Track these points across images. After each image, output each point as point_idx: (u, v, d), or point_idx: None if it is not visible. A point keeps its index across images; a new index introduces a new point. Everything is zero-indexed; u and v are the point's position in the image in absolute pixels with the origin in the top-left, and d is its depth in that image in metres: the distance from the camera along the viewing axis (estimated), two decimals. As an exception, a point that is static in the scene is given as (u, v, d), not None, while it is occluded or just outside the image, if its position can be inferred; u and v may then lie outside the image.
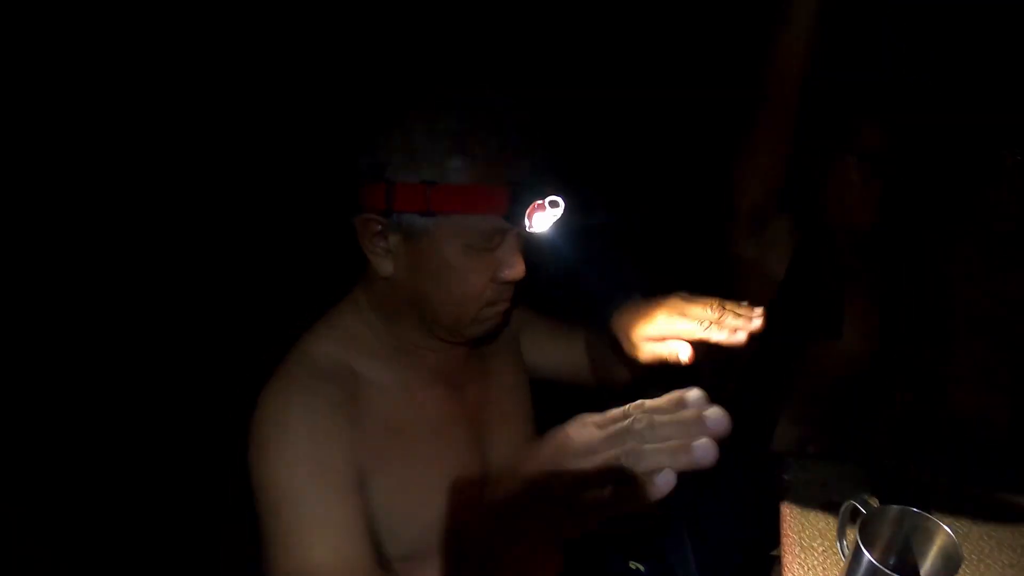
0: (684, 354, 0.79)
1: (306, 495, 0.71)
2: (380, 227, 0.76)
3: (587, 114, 1.64)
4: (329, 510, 0.71)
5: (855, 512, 0.85)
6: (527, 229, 0.75)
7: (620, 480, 0.50)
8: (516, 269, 0.78)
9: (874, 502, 0.94)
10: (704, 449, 0.49)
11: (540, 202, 0.74)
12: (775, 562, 0.98)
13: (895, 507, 0.84)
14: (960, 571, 0.76)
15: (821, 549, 0.90)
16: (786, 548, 0.91)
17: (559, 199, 0.75)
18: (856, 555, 0.77)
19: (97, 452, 1.26)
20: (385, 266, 0.78)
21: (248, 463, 0.74)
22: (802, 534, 0.92)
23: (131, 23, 1.14)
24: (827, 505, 0.96)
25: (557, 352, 1.04)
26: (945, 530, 0.80)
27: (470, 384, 0.91)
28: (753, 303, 1.21)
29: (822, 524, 0.93)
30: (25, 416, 1.18)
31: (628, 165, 1.70)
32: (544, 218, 0.75)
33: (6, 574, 1.10)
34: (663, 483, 0.48)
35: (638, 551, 1.13)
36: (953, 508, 0.95)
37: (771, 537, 0.97)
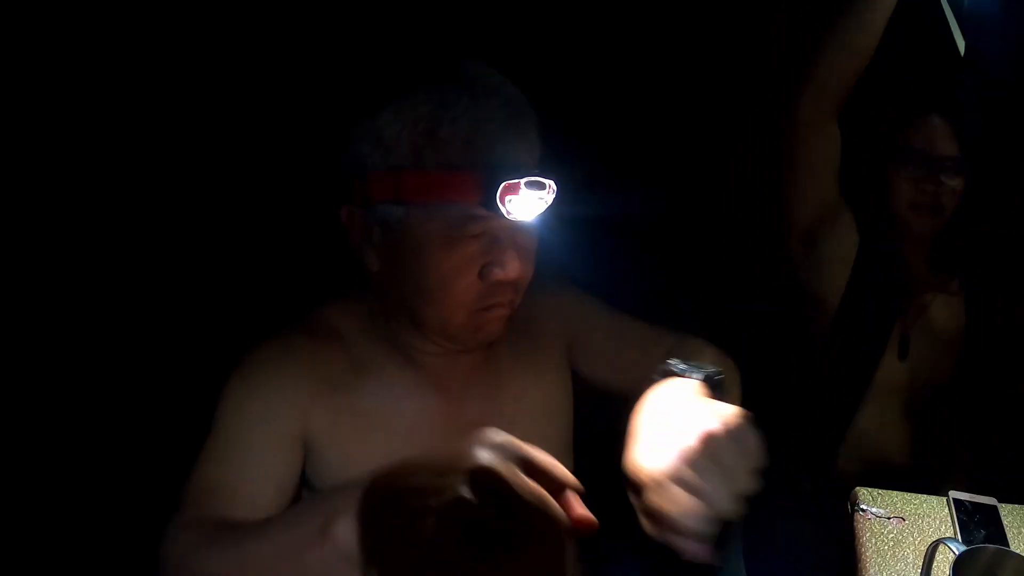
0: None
1: (242, 428, 0.76)
2: (362, 220, 0.75)
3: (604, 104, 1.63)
4: (257, 449, 0.75)
5: (942, 552, 0.82)
6: (506, 216, 0.68)
7: None
8: (507, 268, 0.72)
9: (959, 538, 0.91)
10: None
11: (512, 182, 0.67)
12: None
13: (990, 548, 0.81)
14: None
15: (901, 590, 0.87)
16: (861, 586, 0.88)
17: (546, 180, 0.69)
18: (952, 601, 0.74)
19: (97, 452, 1.23)
20: (372, 261, 0.76)
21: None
22: (879, 573, 0.89)
23: (112, 23, 1.12)
24: (907, 542, 0.93)
25: (611, 357, 0.89)
26: (1048, 576, 0.77)
27: (472, 398, 0.85)
28: (814, 321, 1.21)
29: (900, 563, 0.91)
30: (25, 416, 1.16)
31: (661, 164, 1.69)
32: (523, 204, 0.68)
33: (6, 574, 1.06)
34: None
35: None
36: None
37: (839, 573, 0.94)
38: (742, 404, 0.60)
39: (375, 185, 0.71)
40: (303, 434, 0.78)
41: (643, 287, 1.74)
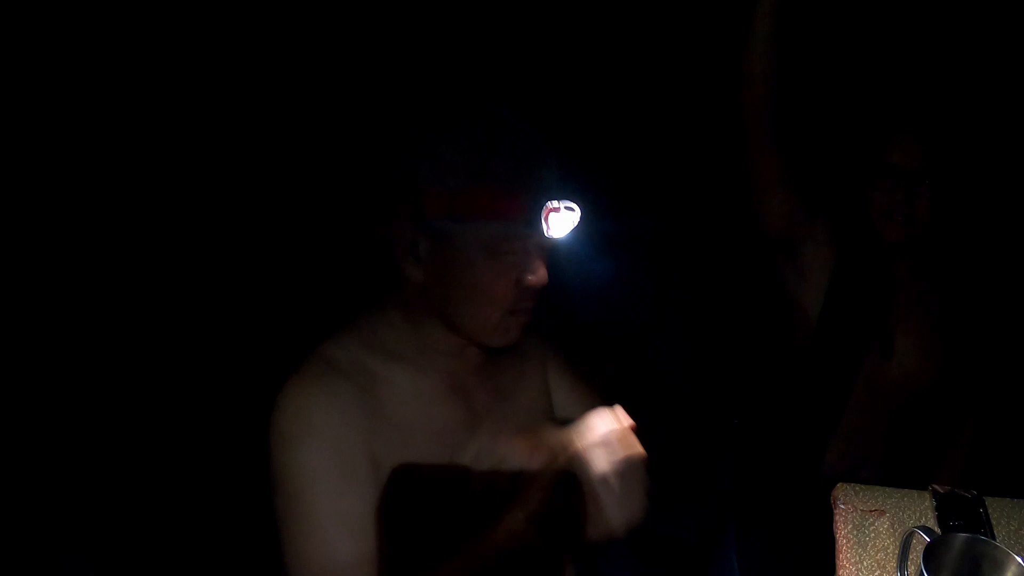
0: None
1: (325, 487, 0.81)
2: (411, 235, 0.84)
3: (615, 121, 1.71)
4: (346, 503, 0.81)
5: (917, 541, 0.85)
6: (546, 233, 0.83)
7: None
8: (538, 274, 0.86)
9: (938, 530, 0.94)
10: None
11: (555, 205, 0.82)
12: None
13: (961, 535, 0.84)
14: (1034, 604, 0.75)
15: (880, 581, 0.90)
16: (842, 580, 0.91)
17: (574, 204, 0.84)
18: (921, 585, 0.77)
19: (100, 453, 1.29)
20: (416, 273, 0.86)
21: (269, 457, 0.83)
22: (860, 566, 0.92)
23: (147, 28, 1.20)
24: (886, 534, 0.96)
25: (573, 406, 1.08)
26: (1017, 560, 0.80)
27: (478, 392, 0.97)
28: (800, 326, 1.26)
29: (881, 555, 0.93)
30: (27, 416, 1.22)
31: (657, 174, 1.75)
32: (561, 222, 0.83)
33: (6, 574, 1.12)
34: None
35: (685, 573, 1.13)
36: (1024, 538, 0.95)
37: (825, 569, 0.97)
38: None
39: (431, 203, 0.81)
40: (373, 458, 0.85)
41: (637, 292, 1.81)
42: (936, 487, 1.00)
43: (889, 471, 1.20)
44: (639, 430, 0.84)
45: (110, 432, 1.28)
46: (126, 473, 1.28)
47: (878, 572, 0.91)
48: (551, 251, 0.88)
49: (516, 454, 0.94)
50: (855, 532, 0.97)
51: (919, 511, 0.99)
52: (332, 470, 0.81)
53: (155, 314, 1.31)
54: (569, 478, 0.76)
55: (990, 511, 0.98)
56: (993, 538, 0.94)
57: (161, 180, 1.28)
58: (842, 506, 1.01)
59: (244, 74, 1.33)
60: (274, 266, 1.41)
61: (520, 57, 1.59)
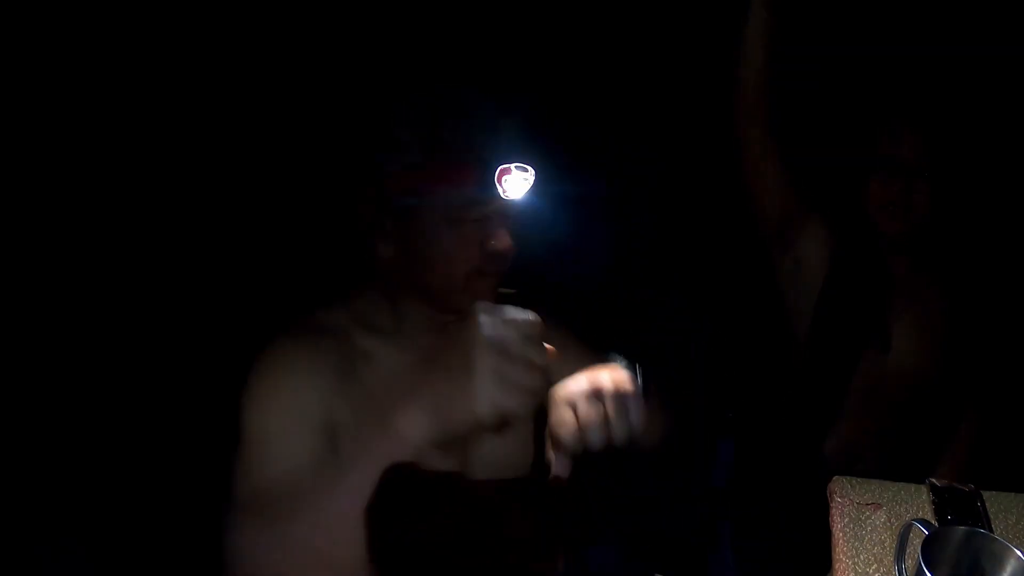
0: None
1: (274, 428, 0.86)
2: (376, 215, 0.89)
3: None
4: (291, 444, 0.86)
5: (915, 534, 0.84)
6: (502, 196, 0.86)
7: None
8: (501, 240, 0.89)
9: (936, 523, 0.93)
10: None
11: (506, 167, 0.85)
12: (826, 590, 0.96)
13: (960, 528, 0.83)
14: (1033, 597, 0.74)
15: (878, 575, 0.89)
16: (839, 574, 0.90)
17: (527, 165, 0.87)
18: (919, 579, 0.76)
19: (97, 452, 1.29)
20: (386, 250, 0.91)
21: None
22: (856, 559, 0.91)
23: (124, 21, 1.20)
24: (883, 528, 0.95)
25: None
26: (1016, 554, 0.79)
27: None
28: (797, 317, 1.25)
29: (878, 549, 0.92)
30: (25, 416, 1.22)
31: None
32: (515, 184, 0.86)
33: (7, 574, 1.12)
34: None
35: (681, 569, 1.12)
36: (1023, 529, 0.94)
37: (823, 564, 0.96)
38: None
39: (391, 182, 0.86)
40: (328, 423, 0.89)
41: (637, 285, 1.80)
42: (934, 481, 0.99)
43: (887, 464, 1.19)
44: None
45: (100, 417, 1.28)
46: (117, 458, 1.28)
47: (875, 566, 0.90)
48: (514, 217, 0.91)
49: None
50: (852, 526, 0.96)
51: (916, 505, 0.98)
52: (283, 420, 0.86)
53: (135, 302, 1.31)
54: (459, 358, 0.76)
55: (988, 505, 0.97)
56: (995, 530, 0.93)
57: (123, 173, 1.27)
58: (838, 499, 0.99)
59: (206, 65, 1.33)
60: (250, 258, 1.41)
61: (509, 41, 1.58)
